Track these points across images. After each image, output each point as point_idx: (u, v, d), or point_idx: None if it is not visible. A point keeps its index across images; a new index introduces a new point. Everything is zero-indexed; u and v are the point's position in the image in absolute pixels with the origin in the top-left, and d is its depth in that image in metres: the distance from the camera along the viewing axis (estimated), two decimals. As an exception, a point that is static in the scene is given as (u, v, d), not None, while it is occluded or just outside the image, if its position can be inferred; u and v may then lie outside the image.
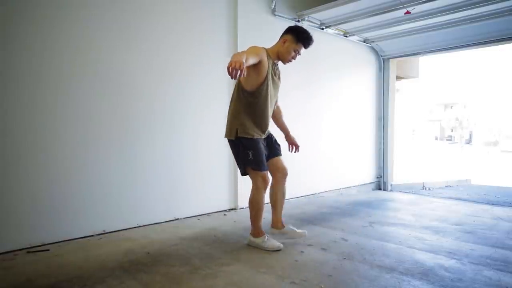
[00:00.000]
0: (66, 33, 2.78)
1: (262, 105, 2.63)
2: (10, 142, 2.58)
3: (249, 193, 2.72)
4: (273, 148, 2.83)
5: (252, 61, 2.38)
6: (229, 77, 2.08)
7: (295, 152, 3.07)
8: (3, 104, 2.54)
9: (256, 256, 2.56)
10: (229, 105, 2.76)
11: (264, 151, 2.71)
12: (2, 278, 2.16)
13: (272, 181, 2.83)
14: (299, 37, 2.65)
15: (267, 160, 2.75)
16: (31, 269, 2.28)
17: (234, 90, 2.72)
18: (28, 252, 2.57)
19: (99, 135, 3.00)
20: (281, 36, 2.75)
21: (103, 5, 2.97)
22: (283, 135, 3.07)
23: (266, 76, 2.59)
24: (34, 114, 2.67)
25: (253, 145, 2.62)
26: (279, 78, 2.79)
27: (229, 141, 2.73)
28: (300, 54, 2.73)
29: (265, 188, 2.68)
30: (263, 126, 2.69)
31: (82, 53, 2.88)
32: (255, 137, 2.64)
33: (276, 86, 2.75)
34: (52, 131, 2.76)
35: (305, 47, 2.70)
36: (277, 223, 2.89)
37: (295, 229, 2.88)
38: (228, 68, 2.06)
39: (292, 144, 3.05)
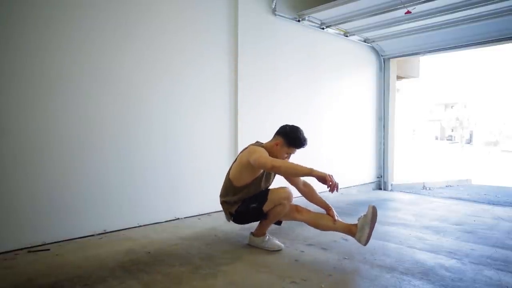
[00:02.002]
0: (61, 33, 2.78)
1: (255, 188, 2.64)
2: (10, 142, 2.58)
3: None
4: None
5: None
6: (330, 190, 2.32)
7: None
8: (2, 104, 2.54)
9: (257, 255, 2.56)
10: (220, 191, 2.75)
11: (253, 192, 2.66)
12: (3, 277, 2.16)
13: (307, 224, 2.73)
14: (290, 142, 2.60)
15: None
16: (31, 268, 2.28)
17: (225, 179, 2.72)
18: (29, 251, 2.57)
19: (99, 135, 3.00)
20: (274, 135, 2.69)
21: (100, 5, 2.97)
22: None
23: (257, 177, 2.61)
24: (34, 114, 2.67)
25: (247, 201, 2.61)
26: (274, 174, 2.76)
27: (234, 221, 2.72)
28: (294, 154, 2.69)
29: (289, 201, 2.59)
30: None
31: (81, 53, 2.88)
32: (242, 200, 2.64)
33: (270, 177, 2.74)
34: (52, 131, 2.76)
35: (298, 149, 2.65)
36: (351, 232, 2.58)
37: (361, 215, 2.60)
38: (329, 182, 2.29)
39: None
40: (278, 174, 2.55)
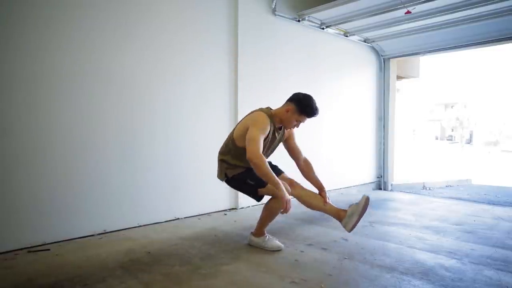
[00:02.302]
0: (61, 33, 2.78)
1: (247, 161, 2.57)
2: (10, 142, 2.58)
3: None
4: (272, 168, 2.73)
5: (261, 142, 2.46)
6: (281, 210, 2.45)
7: None
8: (2, 104, 2.55)
9: (257, 255, 2.57)
10: (220, 147, 2.73)
11: None
12: (3, 277, 2.16)
13: (297, 199, 2.71)
14: (302, 109, 2.56)
15: None
16: (31, 268, 2.28)
17: (227, 137, 2.71)
18: (29, 251, 2.58)
19: (100, 135, 3.00)
20: (286, 102, 2.65)
21: (100, 4, 2.97)
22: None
23: (264, 140, 2.55)
24: (34, 114, 2.67)
25: (246, 173, 2.60)
26: (280, 139, 2.74)
27: (226, 182, 2.72)
28: (303, 122, 2.66)
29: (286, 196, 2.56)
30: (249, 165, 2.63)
31: (81, 53, 2.88)
32: (243, 170, 2.62)
33: (273, 146, 2.72)
34: (52, 132, 2.76)
35: (309, 117, 2.62)
36: (339, 216, 2.60)
37: (353, 203, 2.61)
38: (284, 206, 2.40)
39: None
40: (252, 166, 2.43)
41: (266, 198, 2.68)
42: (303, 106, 2.57)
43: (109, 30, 3.02)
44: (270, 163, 2.78)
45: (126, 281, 2.10)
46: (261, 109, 2.66)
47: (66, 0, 2.79)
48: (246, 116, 2.69)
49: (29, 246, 2.64)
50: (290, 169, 2.87)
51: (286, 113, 2.59)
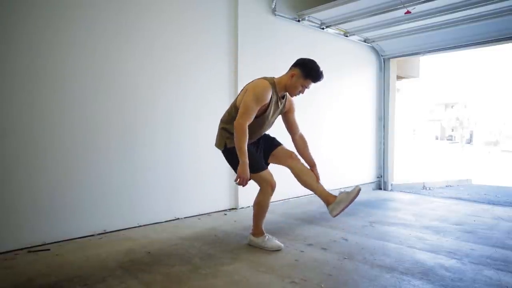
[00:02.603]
0: (61, 33, 2.78)
1: (253, 128, 2.59)
2: (10, 142, 2.58)
3: (252, 192, 2.71)
4: (269, 141, 2.79)
5: (253, 116, 2.48)
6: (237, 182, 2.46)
7: None
8: (2, 104, 2.55)
9: (257, 255, 2.57)
10: (223, 115, 2.72)
11: (256, 152, 2.68)
12: (3, 277, 2.16)
13: (291, 171, 2.72)
14: (308, 73, 2.53)
15: (269, 155, 2.75)
16: (31, 268, 2.28)
17: (230, 105, 2.69)
18: (29, 251, 2.58)
19: (100, 135, 3.00)
20: (290, 67, 2.62)
21: (101, 5, 2.97)
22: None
23: (264, 112, 2.56)
24: (34, 114, 2.67)
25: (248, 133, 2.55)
26: (282, 109, 2.72)
27: (222, 151, 2.71)
28: (308, 88, 2.63)
29: (271, 191, 2.62)
30: (252, 139, 2.65)
31: (81, 53, 2.88)
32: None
33: (273, 119, 2.71)
34: (53, 132, 2.76)
35: (314, 82, 2.60)
36: (327, 200, 2.63)
37: (345, 190, 2.65)
38: (236, 182, 2.46)
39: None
40: (234, 133, 2.47)
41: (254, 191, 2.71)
42: (308, 69, 2.54)
43: (110, 30, 3.02)
44: (268, 136, 2.82)
45: (126, 281, 2.11)
46: (264, 78, 2.62)
47: (68, 0, 2.80)
48: (249, 83, 2.63)
49: (29, 246, 2.64)
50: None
51: (291, 79, 2.56)
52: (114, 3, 3.05)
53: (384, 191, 5.78)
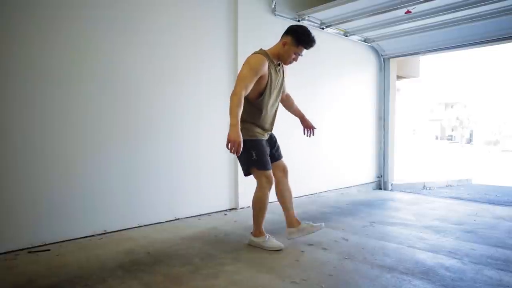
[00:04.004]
0: (65, 33, 2.78)
1: (263, 112, 2.62)
2: (11, 142, 2.58)
3: (252, 193, 2.72)
4: (274, 154, 2.82)
5: (250, 87, 2.46)
6: (228, 149, 2.33)
7: (311, 136, 3.03)
8: (3, 104, 2.55)
9: (257, 256, 2.57)
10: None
11: (267, 151, 2.70)
12: (4, 278, 2.16)
13: (274, 182, 2.78)
14: (299, 39, 2.54)
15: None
16: (32, 269, 2.28)
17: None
18: (29, 252, 2.58)
19: (100, 135, 3.00)
20: (282, 36, 2.64)
21: (102, 5, 2.97)
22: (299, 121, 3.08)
23: (267, 85, 2.55)
24: (34, 114, 2.67)
25: (257, 146, 2.61)
26: (283, 77, 2.74)
27: None
28: (301, 55, 2.65)
29: (269, 187, 2.66)
30: (265, 127, 2.70)
31: (82, 53, 2.88)
32: (258, 138, 2.64)
33: (278, 87, 2.71)
34: (53, 132, 2.76)
35: (306, 49, 2.61)
36: (292, 222, 2.81)
37: (312, 223, 2.83)
38: (227, 146, 2.32)
39: (308, 127, 3.00)
40: (245, 88, 2.44)
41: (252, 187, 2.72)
42: (300, 35, 2.55)
43: (112, 31, 3.02)
44: (276, 146, 2.84)
45: (126, 281, 2.11)
46: (256, 52, 2.62)
47: (69, 0, 2.80)
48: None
49: (30, 246, 2.64)
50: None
51: (283, 47, 2.58)
52: (116, 5, 3.05)
53: (384, 191, 5.78)
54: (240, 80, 2.44)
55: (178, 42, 3.49)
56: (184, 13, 3.54)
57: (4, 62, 2.54)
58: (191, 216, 3.62)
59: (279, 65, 2.69)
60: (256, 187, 2.68)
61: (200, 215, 3.70)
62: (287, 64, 2.71)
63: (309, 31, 2.59)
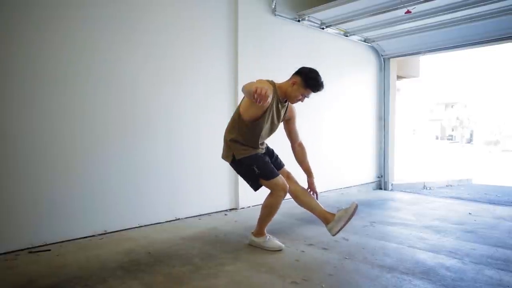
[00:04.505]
0: (63, 33, 2.78)
1: (255, 137, 2.60)
2: (10, 143, 2.58)
3: (250, 193, 2.71)
4: (274, 164, 2.77)
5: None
6: (256, 100, 2.09)
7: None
8: (2, 104, 2.55)
9: (257, 256, 2.57)
10: (226, 126, 2.71)
11: (267, 160, 2.68)
12: (4, 278, 2.16)
13: (291, 195, 2.74)
14: (308, 82, 2.55)
15: None
16: (32, 269, 2.28)
17: (233, 114, 2.70)
18: (30, 252, 2.58)
19: (100, 135, 3.00)
20: (292, 75, 2.63)
21: (100, 5, 2.97)
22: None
23: (265, 112, 2.53)
24: (35, 114, 2.67)
25: (255, 159, 2.60)
26: (284, 114, 2.72)
27: (231, 164, 2.70)
28: (308, 97, 2.65)
29: (284, 194, 2.60)
30: (257, 146, 2.67)
31: (81, 53, 2.88)
32: (253, 153, 2.62)
33: (276, 121, 2.67)
34: (53, 132, 2.76)
35: (314, 92, 2.61)
36: (326, 219, 2.61)
37: (342, 208, 2.63)
38: (254, 93, 2.07)
39: (312, 190, 2.86)
40: (244, 93, 2.38)
41: (263, 194, 2.69)
42: (309, 79, 2.55)
43: (110, 30, 3.03)
44: (274, 156, 2.82)
45: (126, 281, 2.11)
46: (266, 79, 2.60)
47: (67, 0, 2.80)
48: None
49: (30, 246, 2.64)
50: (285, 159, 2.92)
51: (292, 86, 2.57)
52: (114, 3, 3.05)
53: (385, 191, 5.78)
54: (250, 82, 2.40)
55: (178, 42, 3.48)
56: (184, 14, 3.54)
57: (2, 62, 2.54)
58: (191, 216, 3.62)
59: (285, 101, 2.67)
60: (271, 193, 2.63)
61: (201, 215, 3.70)
62: (293, 103, 2.70)
63: (319, 76, 2.60)
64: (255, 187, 2.68)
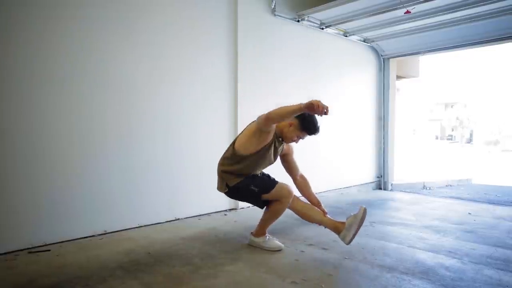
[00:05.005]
0: (59, 33, 2.78)
1: (250, 168, 2.62)
2: (10, 142, 2.58)
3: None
4: (266, 177, 2.77)
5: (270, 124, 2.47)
6: (321, 114, 2.26)
7: None
8: (1, 104, 2.55)
9: (257, 256, 2.57)
10: (220, 159, 2.73)
11: (261, 176, 2.71)
12: (4, 278, 2.16)
13: (294, 212, 2.74)
14: (304, 126, 2.58)
15: None
16: (32, 269, 2.28)
17: (228, 148, 2.71)
18: (30, 252, 2.58)
19: (100, 135, 3.00)
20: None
21: (98, 5, 2.97)
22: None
23: (264, 147, 2.57)
24: (33, 114, 2.67)
25: (251, 180, 2.61)
26: (280, 151, 2.75)
27: (227, 193, 2.71)
28: (303, 139, 2.66)
29: (291, 197, 2.60)
30: (249, 173, 2.67)
31: (80, 54, 2.88)
32: (244, 177, 2.62)
33: (272, 158, 2.69)
34: (52, 132, 2.76)
35: (309, 135, 2.64)
36: (337, 228, 2.62)
37: (351, 214, 2.63)
38: (317, 107, 2.23)
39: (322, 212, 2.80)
40: (274, 122, 2.46)
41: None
42: (306, 123, 2.59)
43: (108, 30, 3.03)
44: (262, 173, 2.80)
45: (126, 281, 2.11)
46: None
47: (65, 0, 2.80)
48: (247, 127, 2.69)
49: (30, 247, 2.64)
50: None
51: (289, 127, 2.61)
52: (112, 3, 3.05)
53: (384, 191, 5.78)
54: (263, 114, 2.46)
55: (177, 42, 3.48)
56: (183, 13, 3.54)
57: (2, 62, 2.54)
58: (191, 216, 3.63)
59: (282, 140, 2.70)
60: (279, 201, 2.62)
61: (200, 215, 3.70)
62: (287, 143, 2.74)
63: (316, 121, 2.61)
64: (261, 205, 2.68)
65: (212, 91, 3.78)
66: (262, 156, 2.60)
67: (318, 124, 2.62)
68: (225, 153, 2.71)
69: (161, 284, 2.09)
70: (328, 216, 2.69)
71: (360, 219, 2.54)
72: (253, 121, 2.67)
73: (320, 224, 2.68)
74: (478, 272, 2.33)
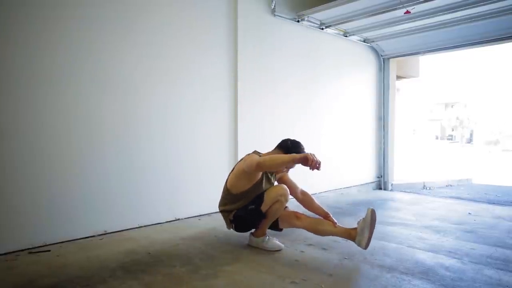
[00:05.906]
0: (59, 33, 2.78)
1: (250, 193, 2.64)
2: (10, 143, 2.58)
3: None
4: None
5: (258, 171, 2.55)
6: (313, 168, 2.27)
7: None
8: (1, 105, 2.55)
9: (257, 256, 2.57)
10: (219, 200, 2.78)
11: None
12: (4, 278, 2.17)
13: (306, 230, 2.72)
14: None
15: (277, 219, 2.72)
16: (32, 269, 2.29)
17: (223, 189, 2.75)
18: (30, 252, 2.58)
19: (100, 135, 3.00)
20: (276, 147, 2.71)
21: (97, 5, 2.97)
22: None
23: (255, 183, 2.61)
24: (33, 114, 2.68)
25: (244, 204, 2.64)
26: (274, 178, 2.81)
27: (235, 228, 2.73)
28: (293, 168, 2.65)
29: (285, 196, 2.59)
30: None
31: (79, 53, 2.88)
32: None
33: (267, 186, 2.69)
34: (52, 132, 2.76)
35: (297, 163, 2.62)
36: (350, 235, 2.60)
37: (360, 218, 2.63)
38: (311, 162, 2.25)
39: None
40: (263, 170, 2.56)
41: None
42: (291, 150, 2.59)
43: (107, 30, 3.03)
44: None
45: (126, 281, 2.11)
46: (249, 154, 2.70)
47: (64, 0, 2.80)
48: (236, 164, 2.74)
49: (30, 247, 2.65)
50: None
51: None
52: (110, 3, 3.05)
53: (384, 191, 5.78)
54: (252, 159, 2.51)
55: (176, 42, 3.48)
56: (183, 13, 3.54)
57: (1, 62, 2.54)
58: (191, 217, 3.63)
59: (272, 172, 2.75)
60: (276, 201, 2.61)
61: (200, 215, 3.71)
62: (278, 173, 2.81)
63: (301, 149, 2.64)
64: (263, 215, 2.62)
65: (212, 91, 3.78)
66: (256, 189, 2.64)
67: (304, 149, 2.65)
68: (222, 193, 2.77)
69: (161, 284, 2.09)
70: (339, 225, 2.67)
71: (369, 221, 2.52)
72: (242, 158, 2.70)
73: (333, 235, 2.67)
74: (478, 272, 2.33)
